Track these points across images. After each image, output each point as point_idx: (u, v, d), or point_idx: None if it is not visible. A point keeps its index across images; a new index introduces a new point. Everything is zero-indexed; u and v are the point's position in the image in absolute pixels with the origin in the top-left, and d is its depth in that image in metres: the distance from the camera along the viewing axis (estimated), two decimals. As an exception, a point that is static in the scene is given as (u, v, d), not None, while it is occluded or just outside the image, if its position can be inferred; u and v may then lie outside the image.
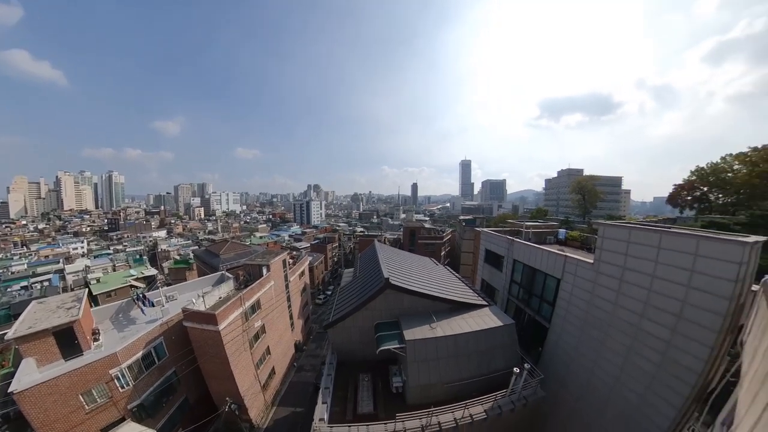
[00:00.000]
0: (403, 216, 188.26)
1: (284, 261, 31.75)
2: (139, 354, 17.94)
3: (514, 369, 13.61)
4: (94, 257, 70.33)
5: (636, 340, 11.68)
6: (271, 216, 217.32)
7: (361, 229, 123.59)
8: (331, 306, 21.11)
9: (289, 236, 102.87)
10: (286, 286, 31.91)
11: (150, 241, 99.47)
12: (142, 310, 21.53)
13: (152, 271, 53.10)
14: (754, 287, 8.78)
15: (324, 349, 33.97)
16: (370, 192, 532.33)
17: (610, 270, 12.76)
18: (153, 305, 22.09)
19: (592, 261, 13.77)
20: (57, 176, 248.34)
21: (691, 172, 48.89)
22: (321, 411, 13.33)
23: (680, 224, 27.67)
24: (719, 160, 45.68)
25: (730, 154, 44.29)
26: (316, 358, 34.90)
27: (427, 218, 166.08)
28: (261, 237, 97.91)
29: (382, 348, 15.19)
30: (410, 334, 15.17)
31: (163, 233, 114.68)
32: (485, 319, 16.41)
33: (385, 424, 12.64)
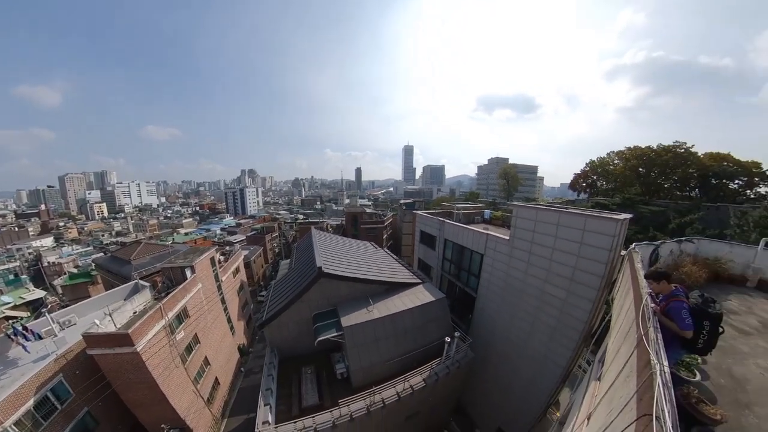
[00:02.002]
0: (347, 201, 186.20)
1: (213, 259, 28.75)
2: (30, 403, 14.12)
3: (446, 338, 15.02)
4: (-62, 287, 53.11)
5: (542, 301, 13.89)
6: (198, 208, 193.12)
7: (303, 217, 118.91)
8: (265, 303, 20.09)
9: (222, 230, 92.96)
10: (219, 287, 29.14)
11: (30, 253, 79.20)
12: (24, 348, 17.06)
13: (38, 294, 41.96)
14: (623, 252, 11.05)
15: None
16: (312, 177, 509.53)
17: (522, 245, 14.66)
18: (40, 338, 17.77)
19: (508, 237, 15.58)
20: None
21: (586, 164, 60.76)
22: (264, 414, 12.83)
23: (577, 205, 33.56)
24: (605, 156, 57.49)
25: (613, 151, 56.33)
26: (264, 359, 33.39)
27: (371, 203, 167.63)
28: (187, 234, 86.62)
29: (320, 338, 15.15)
30: (347, 320, 15.38)
31: (48, 241, 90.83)
32: (419, 295, 17.41)
33: (330, 411, 12.79)
